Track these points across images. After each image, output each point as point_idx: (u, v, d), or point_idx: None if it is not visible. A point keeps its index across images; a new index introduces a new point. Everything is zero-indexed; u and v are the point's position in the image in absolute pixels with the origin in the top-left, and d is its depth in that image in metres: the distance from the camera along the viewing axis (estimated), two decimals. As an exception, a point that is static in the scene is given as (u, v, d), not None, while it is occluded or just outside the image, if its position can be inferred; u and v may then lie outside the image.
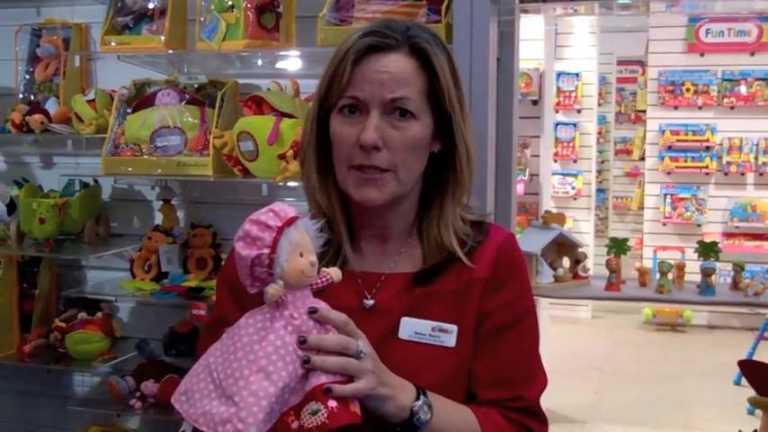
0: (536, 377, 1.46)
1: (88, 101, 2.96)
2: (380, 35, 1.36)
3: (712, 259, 2.45)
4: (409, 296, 1.42)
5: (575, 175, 7.97)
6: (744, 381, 1.83)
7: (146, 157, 2.77)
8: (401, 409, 1.28)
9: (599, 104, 8.69)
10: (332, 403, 1.19)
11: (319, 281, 1.29)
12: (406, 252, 1.47)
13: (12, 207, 3.04)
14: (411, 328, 1.39)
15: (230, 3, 2.66)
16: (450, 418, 1.35)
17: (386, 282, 1.44)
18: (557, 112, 7.78)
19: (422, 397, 1.30)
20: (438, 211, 1.45)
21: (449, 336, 1.40)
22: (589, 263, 2.61)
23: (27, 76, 3.22)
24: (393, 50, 1.36)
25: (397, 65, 1.35)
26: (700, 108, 7.36)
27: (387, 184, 1.37)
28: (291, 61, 2.83)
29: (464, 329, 1.41)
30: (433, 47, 1.39)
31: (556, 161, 7.88)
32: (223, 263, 1.61)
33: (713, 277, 2.41)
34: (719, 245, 2.53)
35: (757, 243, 7.21)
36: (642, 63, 9.61)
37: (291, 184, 2.58)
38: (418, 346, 1.40)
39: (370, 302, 1.42)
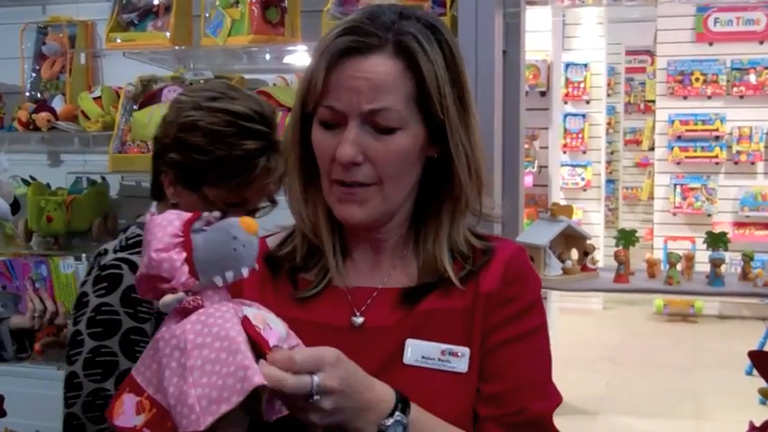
0: (546, 395, 1.26)
1: (94, 98, 2.97)
2: (361, 32, 1.17)
3: (721, 250, 2.44)
4: (408, 314, 1.23)
5: (584, 167, 7.95)
6: (756, 371, 1.83)
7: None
8: (367, 426, 1.08)
9: (608, 95, 8.66)
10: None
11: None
12: (401, 265, 1.28)
13: (16, 206, 3.05)
14: (417, 351, 1.21)
15: (235, -2, 2.67)
16: None
17: (377, 298, 1.25)
18: (565, 103, 7.75)
19: (396, 414, 1.10)
20: (434, 226, 1.26)
21: (460, 360, 1.21)
22: (600, 254, 2.61)
23: (33, 74, 3.23)
24: (374, 51, 1.16)
25: (378, 69, 1.16)
26: (709, 98, 7.32)
27: (369, 199, 1.19)
28: (297, 56, 2.83)
29: (476, 352, 1.23)
30: (425, 44, 1.18)
31: (565, 152, 7.86)
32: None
33: (722, 267, 2.41)
34: (729, 235, 2.52)
35: (768, 232, 7.18)
36: (651, 53, 9.56)
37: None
38: (426, 373, 1.21)
39: (360, 320, 1.24)
